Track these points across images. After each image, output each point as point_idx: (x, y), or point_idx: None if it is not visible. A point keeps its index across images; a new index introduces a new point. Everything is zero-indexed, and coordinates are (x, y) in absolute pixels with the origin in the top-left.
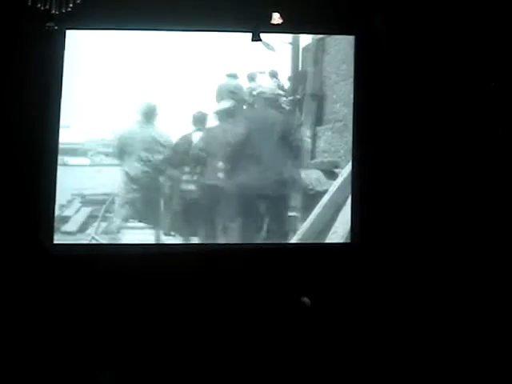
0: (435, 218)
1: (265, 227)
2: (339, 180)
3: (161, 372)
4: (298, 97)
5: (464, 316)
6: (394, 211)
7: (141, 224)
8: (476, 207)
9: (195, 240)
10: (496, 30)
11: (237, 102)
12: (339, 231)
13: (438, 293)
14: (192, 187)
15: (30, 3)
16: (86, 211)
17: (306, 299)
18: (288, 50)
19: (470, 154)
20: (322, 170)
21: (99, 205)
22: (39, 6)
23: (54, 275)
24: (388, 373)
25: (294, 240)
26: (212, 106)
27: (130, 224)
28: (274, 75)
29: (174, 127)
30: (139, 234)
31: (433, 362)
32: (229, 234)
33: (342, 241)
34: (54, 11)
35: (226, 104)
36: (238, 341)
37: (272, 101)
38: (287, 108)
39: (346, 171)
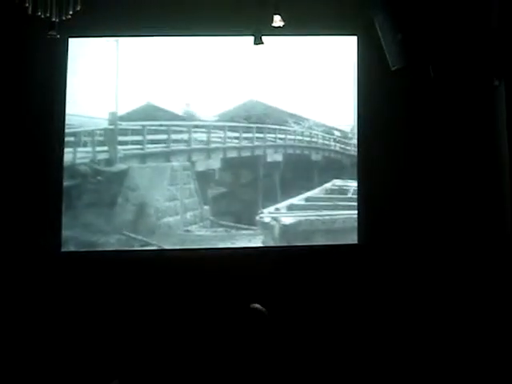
0: (443, 218)
1: None
2: None
3: (170, 378)
4: None
5: (472, 316)
6: (401, 211)
7: None
8: (482, 207)
9: None
10: (498, 27)
11: None
12: None
13: (446, 293)
14: None
15: (30, 11)
16: None
17: (257, 305)
18: None
19: (474, 153)
20: None
21: None
22: (40, 13)
23: (58, 283)
24: (398, 374)
25: None
26: None
27: None
28: None
29: None
30: None
31: (443, 363)
32: None
33: None
34: (54, 19)
35: None
36: (244, 343)
37: None
38: None
39: None
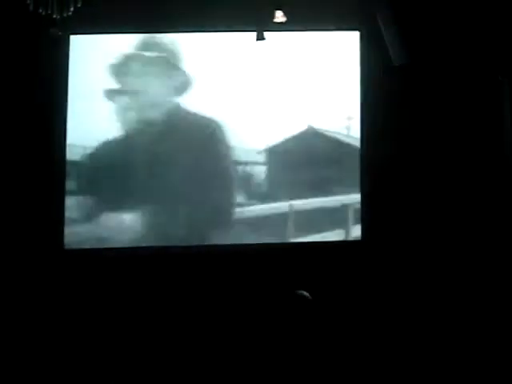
0: (447, 214)
1: None
2: None
3: (167, 380)
4: None
5: (476, 313)
6: (405, 207)
7: None
8: (487, 204)
9: None
10: (502, 23)
11: None
12: None
13: (452, 291)
14: None
15: (31, 8)
16: None
17: (303, 292)
18: None
19: (478, 149)
20: None
21: None
22: (41, 10)
23: (61, 280)
24: (401, 374)
25: None
26: None
27: None
28: None
29: None
30: None
31: (446, 362)
32: None
33: None
34: (55, 16)
35: None
36: (244, 344)
37: None
38: None
39: None
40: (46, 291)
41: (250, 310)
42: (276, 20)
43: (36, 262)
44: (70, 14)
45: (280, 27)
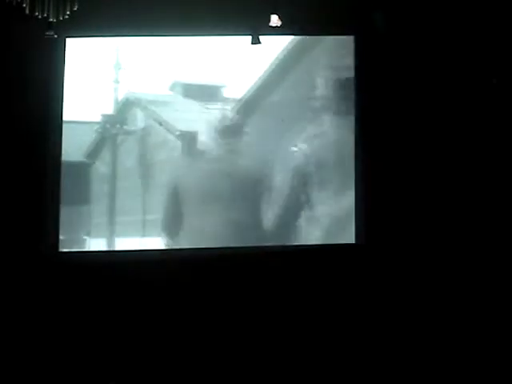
0: (442, 217)
1: None
2: None
3: (166, 381)
4: None
5: (472, 317)
6: (400, 210)
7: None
8: (482, 206)
9: None
10: (497, 26)
11: None
12: None
13: (446, 294)
14: None
15: (27, 12)
16: None
17: None
18: None
19: (473, 151)
20: None
21: None
22: (37, 14)
23: (55, 283)
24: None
25: None
26: None
27: None
28: None
29: None
30: None
31: (443, 365)
32: None
33: None
34: (51, 19)
35: None
36: (242, 347)
37: None
38: None
39: None
40: (40, 294)
41: (248, 312)
42: (272, 24)
43: (30, 264)
44: (67, 17)
45: (276, 31)
